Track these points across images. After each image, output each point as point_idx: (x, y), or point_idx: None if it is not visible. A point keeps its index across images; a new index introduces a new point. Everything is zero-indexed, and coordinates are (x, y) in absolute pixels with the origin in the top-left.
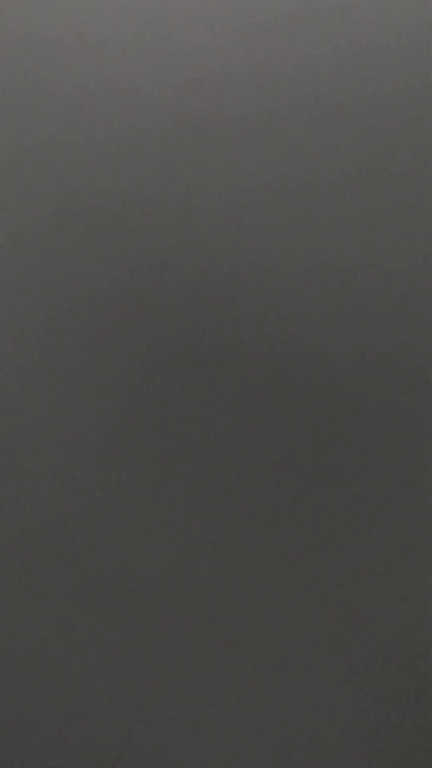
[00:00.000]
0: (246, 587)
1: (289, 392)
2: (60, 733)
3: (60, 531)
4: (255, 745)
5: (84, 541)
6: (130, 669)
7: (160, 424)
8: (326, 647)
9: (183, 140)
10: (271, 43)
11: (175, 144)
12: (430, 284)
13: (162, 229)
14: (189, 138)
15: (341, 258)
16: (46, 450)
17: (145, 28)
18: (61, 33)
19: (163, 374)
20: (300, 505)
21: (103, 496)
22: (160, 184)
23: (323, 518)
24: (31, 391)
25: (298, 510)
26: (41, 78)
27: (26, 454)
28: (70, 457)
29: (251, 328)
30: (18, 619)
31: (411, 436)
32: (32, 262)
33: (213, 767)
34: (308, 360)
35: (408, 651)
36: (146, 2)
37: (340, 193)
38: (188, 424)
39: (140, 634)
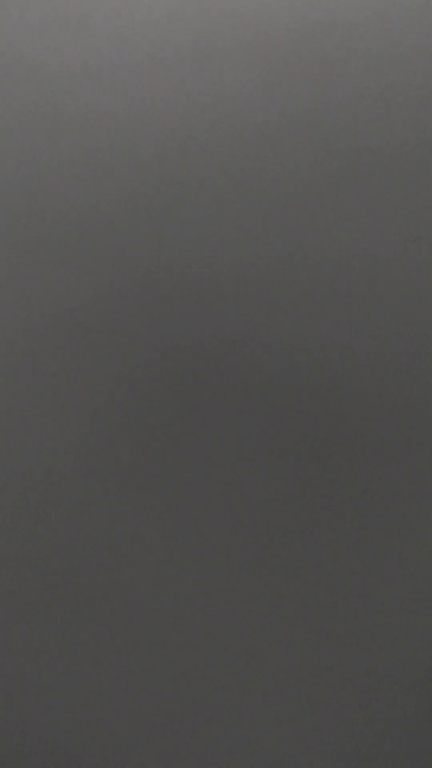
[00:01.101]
0: (246, 597)
1: (289, 398)
2: (60, 739)
3: (58, 540)
4: (255, 749)
5: (82, 549)
6: (129, 679)
7: (158, 432)
8: (327, 653)
9: (183, 154)
10: (271, 61)
11: (174, 158)
12: (431, 288)
13: (161, 239)
14: (189, 152)
15: (342, 266)
16: (42, 453)
17: (143, 45)
18: (59, 54)
19: (162, 382)
20: (300, 511)
21: (101, 500)
22: (160, 193)
23: (323, 526)
24: (29, 398)
25: (298, 516)
26: (39, 97)
27: (23, 464)
28: (67, 467)
29: (251, 335)
30: (14, 627)
31: (412, 442)
32: (31, 273)
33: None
34: (308, 366)
35: (411, 656)
36: (145, 19)
37: (339, 203)
38: (187, 431)
39: (139, 643)
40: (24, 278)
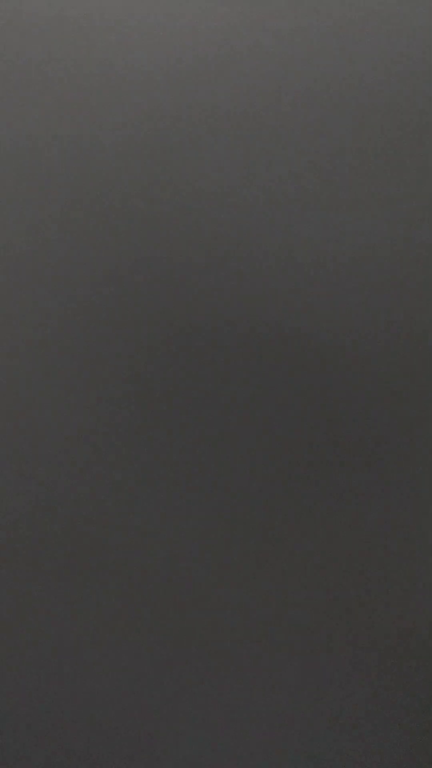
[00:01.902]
0: (246, 583)
1: (289, 383)
2: (60, 733)
3: (61, 529)
4: (254, 742)
5: (85, 538)
6: (130, 670)
7: (159, 416)
8: (326, 644)
9: (182, 131)
10: (272, 29)
11: (174, 136)
12: (430, 275)
13: (161, 222)
14: (188, 129)
15: (341, 249)
16: (45, 441)
17: (144, 16)
18: (60, 24)
19: (163, 365)
20: (300, 498)
21: (103, 487)
22: (159, 174)
23: (323, 511)
24: (32, 383)
25: (298, 502)
26: (40, 71)
27: (26, 451)
28: (69, 452)
29: (250, 319)
30: (18, 616)
31: (411, 425)
32: (32, 257)
33: (212, 766)
34: (308, 352)
35: (408, 650)
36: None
37: (340, 182)
38: (188, 417)
39: (140, 633)
40: (25, 257)
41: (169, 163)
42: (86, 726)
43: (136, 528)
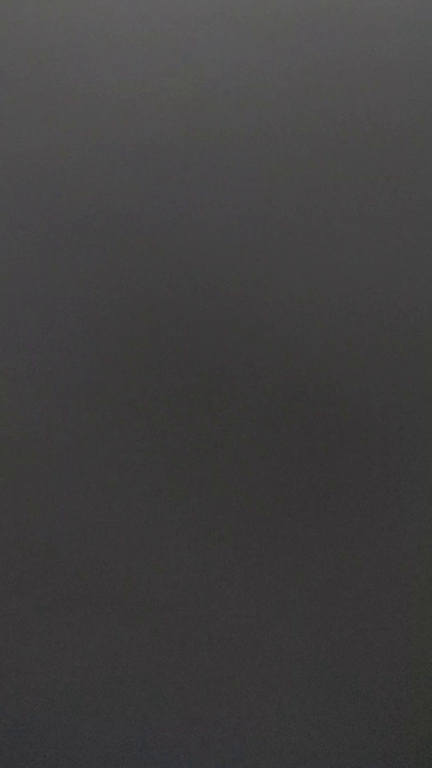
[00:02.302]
0: (245, 594)
1: (289, 403)
2: (60, 733)
3: (60, 538)
4: (253, 744)
5: (84, 548)
6: (129, 677)
7: (160, 433)
8: (326, 648)
9: (183, 149)
10: (273, 52)
11: (175, 152)
12: (430, 294)
13: (162, 240)
14: (189, 146)
15: (342, 269)
16: (46, 455)
17: (147, 36)
18: (63, 43)
19: (164, 385)
20: (300, 512)
21: (103, 501)
22: (161, 192)
23: (322, 526)
24: (33, 399)
25: (298, 517)
26: (43, 90)
27: (26, 461)
28: (70, 467)
29: (251, 338)
30: (17, 623)
31: (410, 446)
32: (33, 271)
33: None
34: (308, 371)
35: (408, 657)
36: (148, 11)
37: (341, 200)
38: (188, 434)
39: (139, 640)
40: (26, 272)
41: (170, 183)
42: (86, 727)
43: (136, 539)
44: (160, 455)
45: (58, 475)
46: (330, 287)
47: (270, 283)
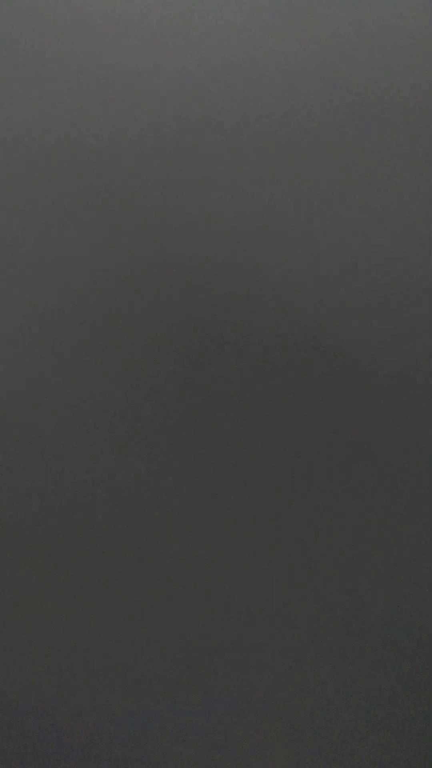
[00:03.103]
0: (246, 581)
1: (291, 383)
2: (58, 728)
3: (61, 529)
4: (252, 740)
5: (85, 535)
6: (130, 667)
7: (161, 416)
8: (326, 646)
9: (185, 136)
10: (273, 36)
11: (176, 141)
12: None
13: (164, 224)
14: (191, 132)
15: (343, 252)
16: (47, 439)
17: (148, 21)
18: (63, 28)
19: (165, 365)
20: (301, 495)
21: (104, 485)
22: (163, 177)
23: (324, 511)
24: (33, 382)
25: (299, 500)
26: (43, 76)
27: (27, 448)
28: (70, 453)
29: (252, 319)
30: (19, 614)
31: (412, 424)
32: (33, 258)
33: (212, 765)
34: (310, 351)
35: (408, 652)
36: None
37: (341, 186)
38: (189, 417)
39: (140, 635)
40: (23, 265)
41: (172, 168)
42: (86, 729)
43: (138, 531)
44: (163, 436)
45: (60, 454)
46: (333, 256)
47: (272, 257)
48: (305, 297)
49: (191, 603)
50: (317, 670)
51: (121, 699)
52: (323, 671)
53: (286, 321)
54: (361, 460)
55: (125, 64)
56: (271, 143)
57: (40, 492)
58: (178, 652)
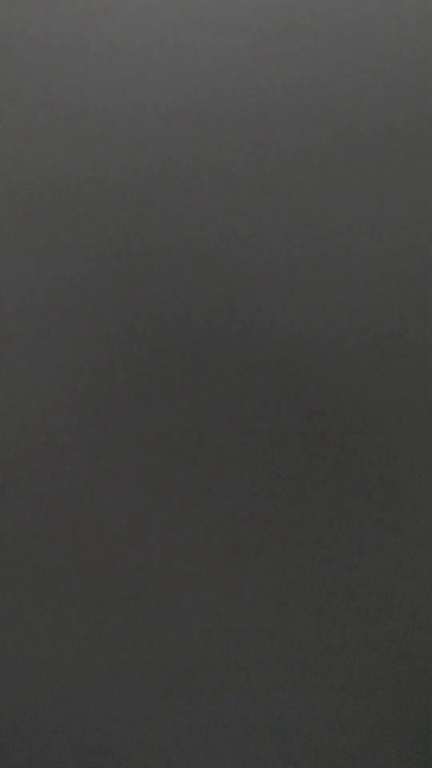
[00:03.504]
0: (244, 587)
1: (288, 387)
2: (59, 729)
3: (59, 531)
4: (254, 741)
5: (83, 540)
6: (130, 673)
7: (158, 418)
8: (326, 651)
9: (183, 138)
10: (268, 34)
11: (174, 143)
12: (430, 277)
13: (161, 222)
14: (189, 134)
15: (341, 253)
16: (42, 439)
17: (146, 33)
18: (62, 38)
19: (162, 368)
20: (299, 500)
21: (100, 489)
22: (160, 177)
23: (322, 516)
24: (30, 383)
25: (298, 505)
26: (41, 85)
27: (23, 449)
28: (67, 456)
29: (250, 321)
30: (15, 621)
31: (410, 433)
32: (31, 256)
33: (211, 764)
34: (307, 356)
35: (407, 654)
36: (147, 9)
37: (339, 181)
38: (187, 419)
39: (139, 637)
40: (21, 252)
41: (169, 168)
42: (86, 731)
43: (134, 528)
44: (158, 450)
45: (55, 465)
46: (330, 277)
47: (269, 273)
48: (303, 304)
49: (189, 612)
50: (316, 679)
51: (119, 704)
52: (322, 681)
53: (283, 333)
54: (360, 472)
55: (123, 87)
56: (272, 143)
57: (35, 496)
58: (174, 660)
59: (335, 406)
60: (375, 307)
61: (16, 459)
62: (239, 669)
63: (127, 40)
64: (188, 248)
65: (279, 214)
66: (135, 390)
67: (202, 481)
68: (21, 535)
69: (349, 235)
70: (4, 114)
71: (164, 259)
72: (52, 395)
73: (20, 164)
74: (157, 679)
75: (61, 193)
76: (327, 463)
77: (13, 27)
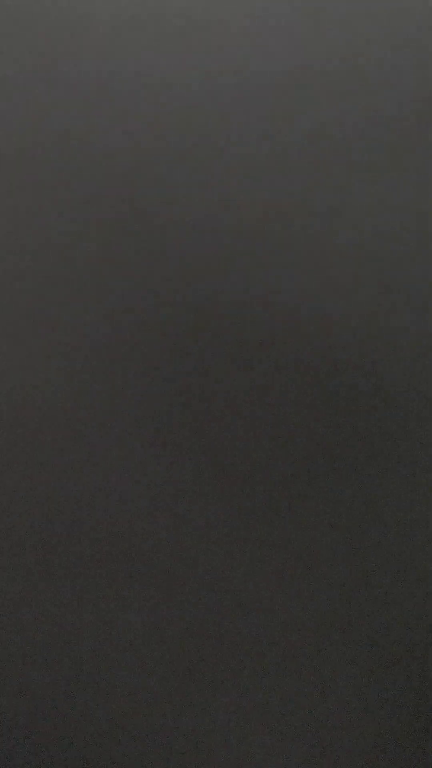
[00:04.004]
0: (246, 577)
1: (291, 380)
2: (57, 722)
3: (61, 526)
4: (254, 739)
5: (86, 531)
6: (130, 667)
7: (162, 409)
8: (327, 646)
9: (183, 120)
10: (269, 24)
11: (176, 145)
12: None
13: (164, 224)
14: (190, 140)
15: (343, 249)
16: (48, 436)
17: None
18: (62, 29)
19: (166, 359)
20: (301, 491)
21: (103, 481)
22: (163, 177)
23: (324, 507)
24: (36, 377)
25: (299, 497)
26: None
27: (29, 443)
28: (73, 450)
29: (253, 318)
30: (20, 612)
31: (412, 425)
32: (36, 259)
33: (212, 764)
34: (311, 350)
35: (407, 650)
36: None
37: (336, 175)
38: (189, 412)
39: (140, 610)
40: (27, 268)
41: (171, 171)
42: (85, 727)
43: (138, 533)
44: (162, 448)
45: (59, 445)
46: (330, 259)
47: (272, 267)
48: (306, 303)
49: (191, 605)
50: (318, 677)
51: (120, 702)
52: (324, 678)
53: (288, 331)
54: (362, 467)
55: (123, 78)
56: (274, 143)
57: (37, 493)
58: (177, 654)
59: (338, 387)
60: (377, 289)
61: (16, 440)
62: (240, 653)
63: (126, 21)
64: (190, 225)
65: (280, 194)
66: (138, 371)
67: (206, 459)
68: (22, 534)
69: (350, 216)
70: (3, 99)
71: (167, 253)
72: (51, 379)
73: (20, 151)
74: (155, 666)
75: (60, 180)
76: (330, 460)
77: (12, 16)
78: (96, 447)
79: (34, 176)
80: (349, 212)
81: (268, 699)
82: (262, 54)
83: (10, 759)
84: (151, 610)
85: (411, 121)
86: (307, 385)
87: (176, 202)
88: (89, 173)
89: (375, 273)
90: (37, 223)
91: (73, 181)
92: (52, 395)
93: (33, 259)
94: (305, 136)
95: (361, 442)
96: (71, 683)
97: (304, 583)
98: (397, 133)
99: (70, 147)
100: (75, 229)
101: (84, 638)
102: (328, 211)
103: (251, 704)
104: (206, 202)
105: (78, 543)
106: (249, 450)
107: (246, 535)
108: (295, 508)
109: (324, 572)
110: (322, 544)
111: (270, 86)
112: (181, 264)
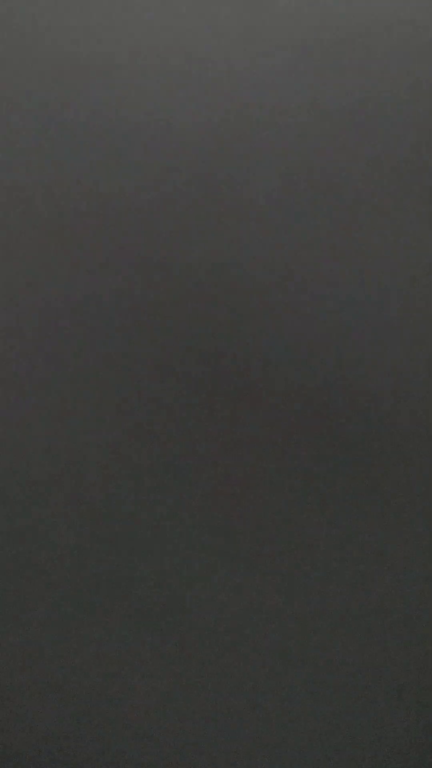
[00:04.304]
0: (246, 590)
1: (291, 402)
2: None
3: (62, 539)
4: (254, 741)
5: (85, 546)
6: (130, 674)
7: (163, 430)
8: (327, 648)
9: (187, 150)
10: (272, 53)
11: (178, 155)
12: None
13: (165, 237)
14: (192, 147)
15: (342, 259)
16: (49, 453)
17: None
18: (62, 54)
19: (166, 379)
20: (301, 508)
21: (105, 498)
22: (164, 189)
23: (324, 523)
24: (35, 395)
25: (300, 512)
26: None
27: (29, 458)
28: (71, 465)
29: (253, 336)
30: (18, 621)
31: (412, 444)
32: (33, 268)
33: (212, 763)
34: (310, 366)
35: (409, 653)
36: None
37: (338, 199)
38: (190, 429)
39: (140, 635)
40: (24, 275)
41: (173, 182)
42: (85, 725)
43: (138, 545)
44: (162, 446)
45: (58, 459)
46: (332, 275)
47: (272, 271)
48: (306, 313)
49: (191, 610)
50: (318, 676)
51: (120, 701)
52: (324, 678)
53: (289, 344)
54: (362, 482)
55: (122, 75)
56: (275, 144)
57: (39, 496)
58: (177, 654)
59: (336, 402)
60: (378, 303)
61: (16, 448)
62: (241, 660)
63: (127, 51)
64: (194, 268)
65: (281, 211)
66: (137, 383)
67: (204, 472)
68: (23, 533)
69: (352, 228)
70: (4, 124)
71: (168, 266)
72: (52, 376)
73: (20, 178)
74: (159, 672)
75: (61, 207)
76: (329, 457)
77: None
78: (93, 469)
79: (32, 238)
80: (354, 251)
81: (268, 699)
82: (263, 90)
83: (9, 759)
84: (152, 610)
85: (414, 130)
86: (308, 408)
87: (178, 243)
88: (88, 201)
89: (378, 286)
90: (36, 251)
91: (73, 210)
92: (49, 424)
93: (33, 258)
94: (306, 155)
95: (363, 465)
96: (72, 684)
97: (303, 598)
98: (403, 175)
99: (70, 173)
100: (77, 254)
101: (86, 654)
102: (332, 250)
103: (251, 704)
104: (208, 243)
105: (76, 553)
106: (248, 465)
107: (244, 550)
108: (295, 519)
109: (324, 589)
110: (322, 561)
111: (273, 123)
112: (182, 299)
